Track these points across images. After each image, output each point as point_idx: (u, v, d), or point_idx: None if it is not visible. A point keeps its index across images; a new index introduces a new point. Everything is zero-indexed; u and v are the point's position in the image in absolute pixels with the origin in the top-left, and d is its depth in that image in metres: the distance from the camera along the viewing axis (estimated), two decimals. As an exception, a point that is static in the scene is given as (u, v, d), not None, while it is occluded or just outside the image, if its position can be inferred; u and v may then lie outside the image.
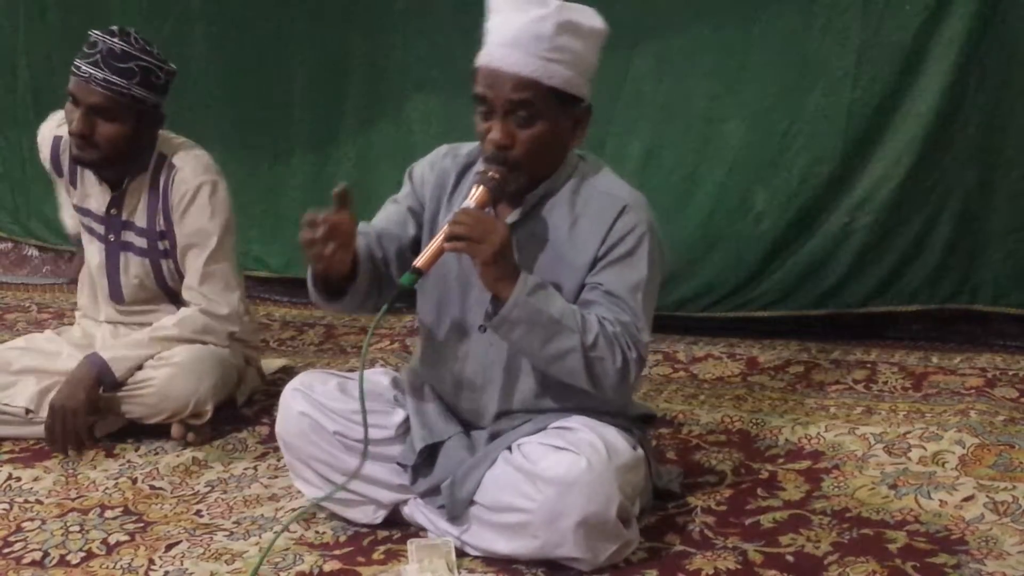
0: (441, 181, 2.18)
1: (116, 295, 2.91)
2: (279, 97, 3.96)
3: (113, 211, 2.83)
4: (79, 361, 2.72)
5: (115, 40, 2.65)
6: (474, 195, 1.99)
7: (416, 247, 2.15)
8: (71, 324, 3.11)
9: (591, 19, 2.02)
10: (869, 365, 3.00)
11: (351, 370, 3.06)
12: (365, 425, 2.03)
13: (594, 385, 2.02)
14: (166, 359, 2.73)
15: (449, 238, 1.94)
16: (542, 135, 2.00)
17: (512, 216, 2.08)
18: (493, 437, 2.14)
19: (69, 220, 3.08)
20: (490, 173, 1.99)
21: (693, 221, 3.32)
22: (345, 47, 3.81)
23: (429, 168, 2.21)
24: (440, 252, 1.98)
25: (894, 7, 3.01)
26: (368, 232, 2.13)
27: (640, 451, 2.13)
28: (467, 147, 2.18)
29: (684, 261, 3.28)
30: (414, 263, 1.98)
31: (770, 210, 3.24)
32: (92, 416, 2.76)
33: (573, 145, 2.09)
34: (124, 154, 2.72)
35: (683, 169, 3.34)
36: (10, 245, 4.74)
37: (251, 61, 3.97)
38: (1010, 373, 2.86)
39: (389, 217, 2.19)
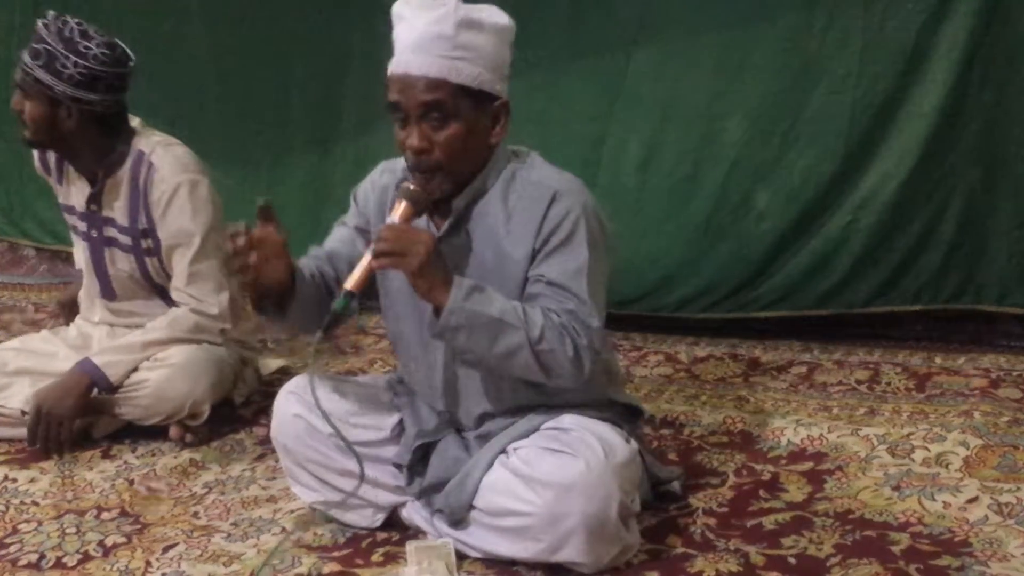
0: (381, 198, 2.19)
1: (107, 292, 2.90)
2: (278, 96, 3.95)
3: (92, 207, 2.82)
4: (73, 364, 2.71)
5: (42, 23, 2.66)
6: (397, 210, 1.99)
7: None
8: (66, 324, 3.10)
9: (493, 15, 2.01)
10: (872, 366, 2.99)
11: (348, 371, 3.07)
12: (357, 456, 2.07)
13: (549, 377, 2.01)
14: (162, 360, 2.72)
15: (375, 255, 1.95)
16: (458, 135, 1.99)
17: (446, 225, 2.07)
18: (483, 439, 2.13)
19: (80, 254, 3.07)
20: (411, 186, 2.00)
21: (695, 221, 3.31)
22: (344, 46, 3.80)
23: (371, 187, 2.22)
24: (369, 271, 1.98)
25: (895, 6, 3.00)
26: (318, 254, 2.18)
27: (633, 444, 2.11)
28: (402, 161, 2.14)
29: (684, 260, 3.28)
30: (344, 285, 1.98)
31: (772, 210, 3.23)
32: (87, 418, 2.75)
33: (495, 143, 2.06)
34: (54, 138, 2.72)
35: (684, 168, 3.33)
36: (6, 245, 4.74)
37: (250, 60, 3.97)
38: (1014, 374, 2.84)
39: (338, 238, 2.22)
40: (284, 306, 2.06)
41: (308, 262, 2.16)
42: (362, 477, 2.09)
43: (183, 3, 4.02)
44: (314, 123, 3.92)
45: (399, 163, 2.16)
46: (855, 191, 3.13)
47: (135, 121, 2.83)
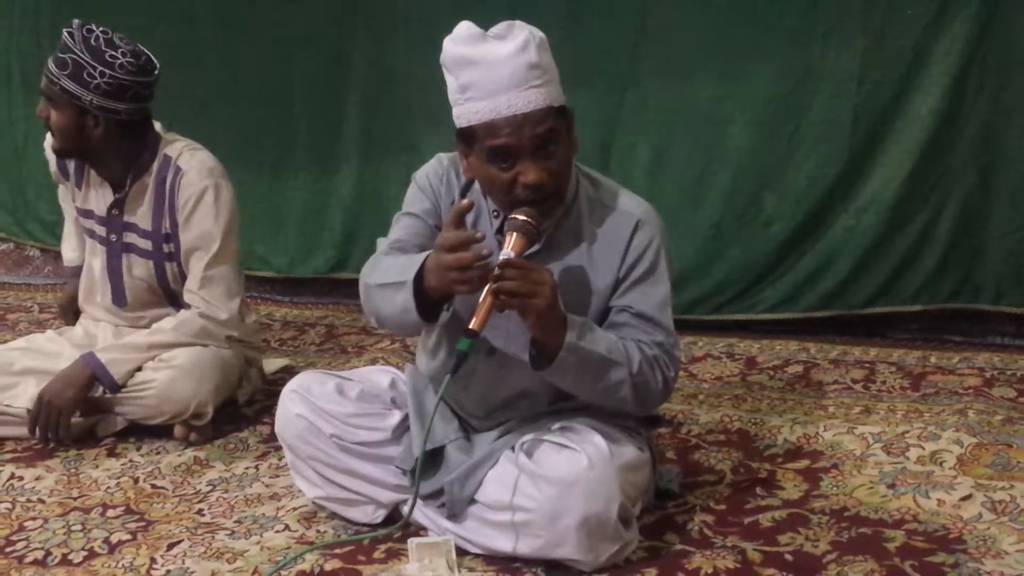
0: (450, 194, 2.12)
1: (119, 298, 2.91)
2: (281, 97, 3.97)
3: (114, 211, 2.84)
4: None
5: (67, 32, 2.67)
6: (511, 243, 1.90)
7: None
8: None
9: (535, 29, 1.96)
10: (868, 365, 3.01)
11: (351, 370, 3.08)
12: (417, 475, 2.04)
13: (640, 408, 2.04)
14: (167, 361, 2.74)
15: (502, 293, 1.85)
16: (566, 156, 1.97)
17: (531, 250, 1.98)
18: (499, 433, 2.14)
19: (70, 252, 3.09)
20: (523, 219, 1.91)
21: (704, 224, 3.35)
22: (347, 48, 3.82)
23: (438, 180, 2.13)
24: (491, 308, 1.88)
25: (895, 13, 3.03)
26: (406, 248, 2.08)
27: (647, 453, 2.13)
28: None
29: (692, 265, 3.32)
30: (469, 326, 1.88)
31: (779, 213, 3.26)
32: (90, 417, 2.77)
33: (575, 153, 2.05)
34: (82, 147, 2.74)
35: (692, 172, 3.36)
36: (12, 246, 4.75)
37: (253, 62, 3.98)
38: (1008, 373, 2.87)
39: (416, 231, 2.12)
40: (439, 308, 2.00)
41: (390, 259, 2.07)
42: (410, 514, 2.07)
43: (185, 6, 4.03)
44: (317, 124, 3.93)
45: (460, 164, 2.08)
46: (858, 193, 3.16)
47: (157, 126, 2.85)
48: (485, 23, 1.98)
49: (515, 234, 1.91)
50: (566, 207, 2.04)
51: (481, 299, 1.89)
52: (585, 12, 3.38)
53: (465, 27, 1.95)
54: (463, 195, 2.10)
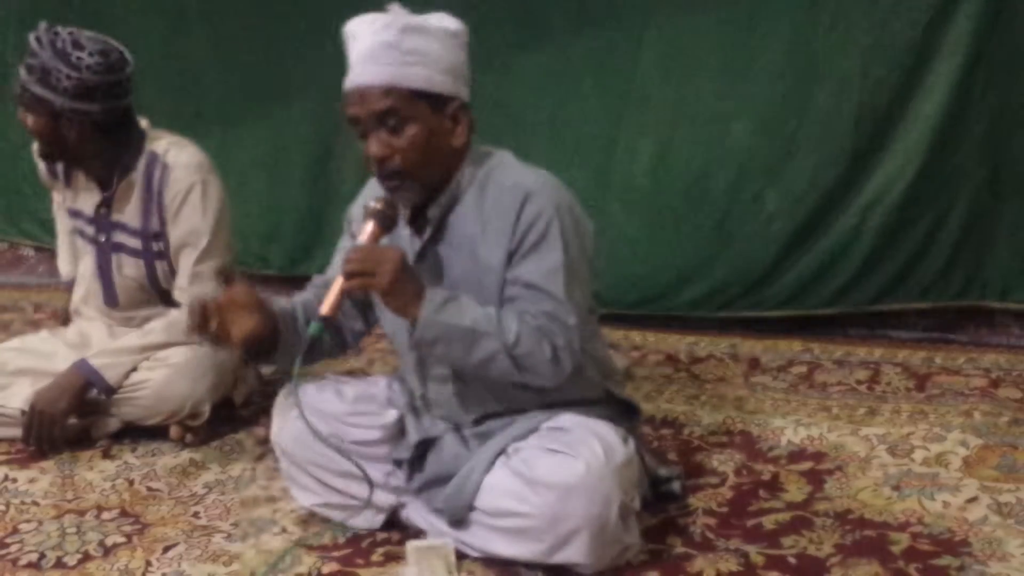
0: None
1: (111, 299, 2.88)
2: (279, 95, 3.95)
3: (102, 211, 2.81)
4: (70, 364, 2.71)
5: (34, 36, 2.64)
6: (365, 231, 2.00)
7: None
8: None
9: (440, 20, 2.02)
10: (872, 366, 2.99)
11: (349, 372, 3.07)
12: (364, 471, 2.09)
13: (530, 379, 2.01)
14: (162, 361, 2.72)
15: (345, 277, 1.95)
16: (416, 138, 1.99)
17: (423, 237, 2.08)
18: (482, 437, 2.13)
19: (65, 266, 3.07)
20: (377, 206, 2.01)
21: (707, 222, 3.33)
22: (343, 43, 3.79)
23: (360, 207, 2.20)
24: (341, 294, 1.97)
25: (899, 8, 3.00)
26: (318, 283, 2.22)
27: (631, 444, 2.11)
28: None
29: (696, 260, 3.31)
30: (319, 311, 1.98)
31: (781, 211, 3.24)
32: (86, 419, 2.75)
33: (458, 144, 2.05)
34: (61, 150, 2.71)
35: (695, 170, 3.34)
36: (5, 245, 4.75)
37: (250, 60, 3.96)
38: (1014, 374, 2.84)
39: (336, 264, 2.21)
40: (271, 351, 2.10)
41: (308, 294, 2.20)
42: (371, 485, 2.10)
43: (182, 5, 4.02)
44: (315, 121, 3.91)
45: None
46: (862, 192, 3.14)
47: (143, 122, 2.82)
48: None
49: (370, 221, 2.01)
50: (456, 191, 2.06)
51: (333, 286, 1.98)
52: (590, 11, 3.36)
53: (376, 12, 2.04)
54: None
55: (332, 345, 2.24)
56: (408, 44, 1.97)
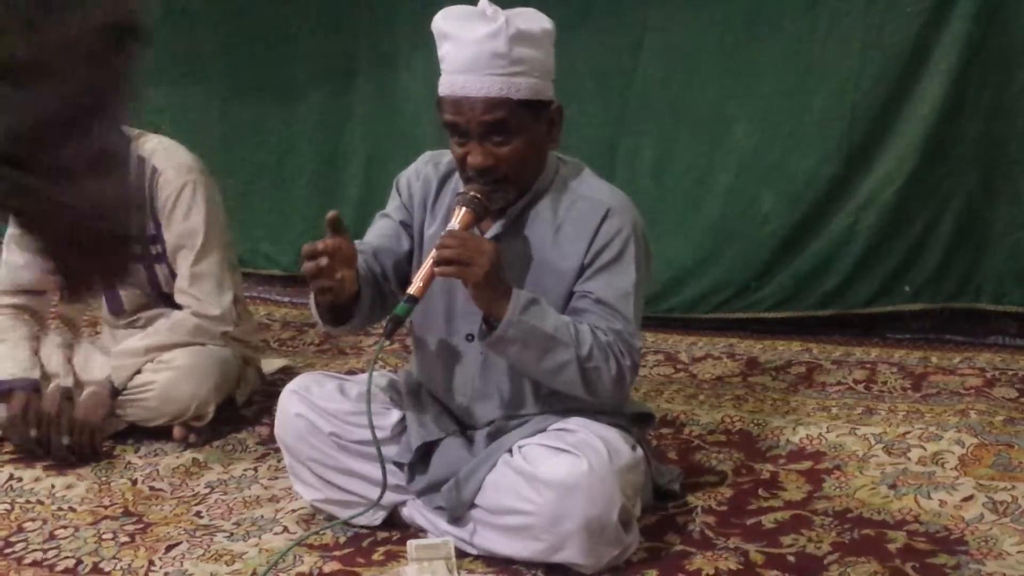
0: (425, 189, 2.18)
1: (116, 308, 2.89)
2: (285, 93, 3.95)
3: None
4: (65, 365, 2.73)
5: None
6: (458, 217, 1.98)
7: (411, 258, 2.16)
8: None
9: (539, 21, 1.99)
10: (869, 365, 3.00)
11: (350, 371, 3.08)
12: (380, 453, 2.05)
13: (590, 394, 2.02)
14: (167, 362, 2.73)
15: (438, 262, 1.92)
16: (522, 148, 1.99)
17: (495, 229, 2.07)
18: (492, 437, 2.14)
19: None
20: (472, 193, 1.99)
21: (705, 223, 3.35)
22: (351, 42, 3.81)
23: (415, 177, 2.20)
24: (431, 277, 1.95)
25: (894, 10, 3.01)
26: (365, 250, 2.12)
27: (639, 451, 2.12)
28: (448, 155, 2.14)
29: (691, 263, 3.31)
30: (408, 291, 1.97)
31: (776, 212, 3.25)
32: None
33: (550, 148, 2.08)
34: None
35: (695, 171, 3.36)
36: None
37: (256, 58, 3.97)
38: (1009, 373, 2.86)
39: (382, 231, 2.19)
40: (349, 313, 2.04)
41: (359, 259, 2.09)
42: (384, 487, 2.08)
43: (187, 2, 4.03)
44: (321, 120, 3.92)
45: (445, 156, 2.16)
46: (857, 193, 3.15)
47: (125, 128, 2.82)
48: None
49: (462, 208, 1.98)
50: (536, 191, 2.07)
51: (424, 267, 1.96)
52: (590, 11, 3.37)
53: (462, 6, 2.00)
54: (440, 187, 2.15)
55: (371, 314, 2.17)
56: (517, 53, 1.93)
